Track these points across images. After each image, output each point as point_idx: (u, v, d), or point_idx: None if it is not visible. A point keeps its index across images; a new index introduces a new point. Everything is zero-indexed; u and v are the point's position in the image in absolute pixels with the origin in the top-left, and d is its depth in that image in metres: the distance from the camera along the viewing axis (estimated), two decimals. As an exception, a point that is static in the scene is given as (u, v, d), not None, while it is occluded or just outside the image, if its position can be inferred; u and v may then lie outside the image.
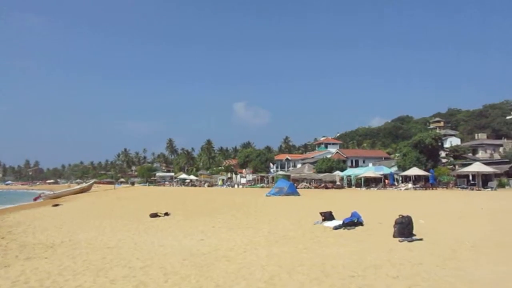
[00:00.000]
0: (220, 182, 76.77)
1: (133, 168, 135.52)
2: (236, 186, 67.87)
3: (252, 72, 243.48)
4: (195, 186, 72.56)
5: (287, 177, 57.22)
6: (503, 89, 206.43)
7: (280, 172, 71.45)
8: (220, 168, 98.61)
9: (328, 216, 12.10)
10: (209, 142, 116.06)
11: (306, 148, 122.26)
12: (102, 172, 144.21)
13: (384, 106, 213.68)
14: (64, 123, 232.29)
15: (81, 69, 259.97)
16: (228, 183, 75.69)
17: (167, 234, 10.59)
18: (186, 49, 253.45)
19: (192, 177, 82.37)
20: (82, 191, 47.84)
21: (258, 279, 5.80)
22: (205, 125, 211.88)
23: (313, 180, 61.33)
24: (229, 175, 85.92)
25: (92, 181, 67.27)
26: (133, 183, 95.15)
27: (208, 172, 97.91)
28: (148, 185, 79.84)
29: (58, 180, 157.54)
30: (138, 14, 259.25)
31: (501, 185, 44.75)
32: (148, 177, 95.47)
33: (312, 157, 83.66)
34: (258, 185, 63.91)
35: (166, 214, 15.59)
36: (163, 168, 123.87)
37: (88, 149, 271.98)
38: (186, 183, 77.57)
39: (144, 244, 9.18)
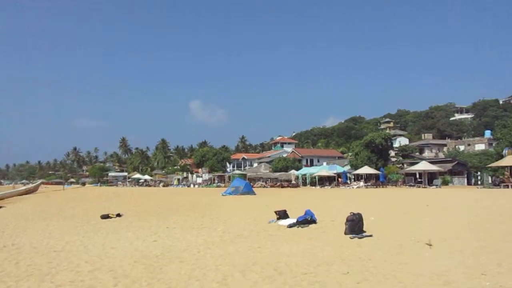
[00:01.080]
0: (175, 182, 75.61)
1: (84, 168, 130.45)
2: (192, 185, 67.10)
3: (208, 71, 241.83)
4: (150, 186, 71.03)
5: (244, 176, 57.36)
6: (448, 92, 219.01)
7: (237, 172, 71.47)
8: (176, 167, 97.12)
9: (282, 214, 12.24)
10: (163, 141, 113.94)
11: (262, 147, 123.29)
12: (50, 172, 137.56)
13: (338, 106, 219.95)
14: (8, 120, 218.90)
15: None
16: (184, 182, 74.69)
17: (118, 236, 10.27)
18: (140, 47, 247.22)
19: (146, 177, 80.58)
20: (28, 192, 45.28)
21: (211, 280, 5.76)
22: (160, 124, 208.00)
23: (269, 179, 61.91)
24: (185, 174, 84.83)
25: (39, 181, 64.02)
26: (84, 184, 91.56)
27: (164, 171, 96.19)
28: (100, 186, 77.06)
29: (2, 181, 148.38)
30: (81, 15, 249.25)
31: (445, 183, 47.36)
32: (100, 177, 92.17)
33: (269, 156, 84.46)
34: (214, 184, 63.59)
35: (118, 215, 15.12)
36: (116, 168, 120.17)
37: (34, 148, 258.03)
38: (140, 183, 75.73)
39: (93, 246, 8.84)
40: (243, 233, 10.21)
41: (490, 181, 42.73)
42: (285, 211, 12.49)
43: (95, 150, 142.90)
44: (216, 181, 67.66)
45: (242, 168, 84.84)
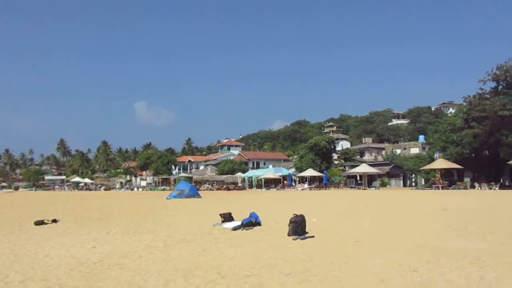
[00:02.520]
0: (118, 185, 72.98)
1: (18, 171, 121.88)
2: (135, 189, 65.19)
3: (153, 72, 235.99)
4: (90, 190, 67.90)
5: (189, 179, 56.68)
6: (386, 98, 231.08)
7: (183, 174, 70.47)
8: (118, 170, 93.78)
9: (227, 217, 12.23)
10: (105, 143, 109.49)
11: (209, 150, 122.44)
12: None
13: (284, 110, 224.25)
14: None
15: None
16: (127, 186, 72.38)
17: (54, 243, 9.70)
18: (82, 45, 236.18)
19: (87, 180, 77.06)
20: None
21: (153, 286, 5.61)
22: (103, 125, 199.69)
23: (215, 182, 61.62)
24: (128, 177, 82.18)
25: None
26: (17, 188, 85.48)
27: (106, 174, 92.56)
28: (35, 190, 72.46)
29: None
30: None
31: (383, 184, 49.85)
32: (36, 180, 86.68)
33: (215, 159, 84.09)
34: (159, 187, 62.18)
35: (54, 221, 14.29)
36: (54, 171, 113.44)
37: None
38: (80, 187, 72.20)
39: (26, 255, 8.27)
40: (187, 237, 10.07)
41: (423, 183, 45.60)
42: (230, 213, 12.49)
43: (30, 152, 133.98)
44: (161, 184, 66.16)
45: (188, 171, 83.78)
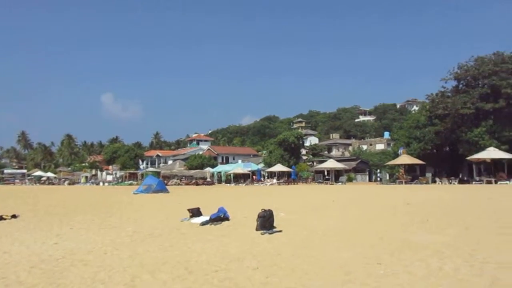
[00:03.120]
0: (83, 180, 70.99)
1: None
2: (101, 183, 63.63)
3: (121, 63, 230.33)
4: (53, 184, 65.80)
5: (157, 174, 55.89)
6: (354, 96, 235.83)
7: (150, 169, 69.40)
8: (83, 164, 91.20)
9: (195, 212, 12.15)
10: (69, 136, 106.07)
11: (178, 144, 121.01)
12: None
13: (254, 105, 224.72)
14: None
15: None
16: (93, 180, 70.55)
17: (13, 239, 9.33)
18: (45, 34, 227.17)
19: (49, 174, 74.53)
20: None
21: (118, 282, 5.50)
22: (67, 118, 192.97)
23: (184, 177, 61.10)
24: (93, 172, 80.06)
25: None
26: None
27: (70, 168, 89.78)
28: (-7, 184, 69.38)
29: None
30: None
31: (350, 180, 50.91)
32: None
33: (184, 154, 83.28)
34: (126, 182, 60.99)
35: (14, 216, 13.74)
36: (14, 164, 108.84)
37: None
38: (42, 181, 69.74)
39: (-18, 252, 7.91)
40: (154, 232, 9.94)
41: (388, 178, 46.94)
42: (198, 208, 12.41)
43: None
44: (128, 179, 64.89)
45: (156, 166, 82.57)
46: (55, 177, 73.44)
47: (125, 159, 76.12)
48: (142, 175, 62.77)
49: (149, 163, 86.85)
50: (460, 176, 39.62)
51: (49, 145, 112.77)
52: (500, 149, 34.68)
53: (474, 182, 35.42)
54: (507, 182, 32.74)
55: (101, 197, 26.36)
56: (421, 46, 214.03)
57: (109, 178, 71.50)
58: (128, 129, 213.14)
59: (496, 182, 33.07)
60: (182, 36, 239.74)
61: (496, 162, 35.96)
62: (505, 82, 36.09)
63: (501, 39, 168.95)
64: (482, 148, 35.37)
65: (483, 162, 37.12)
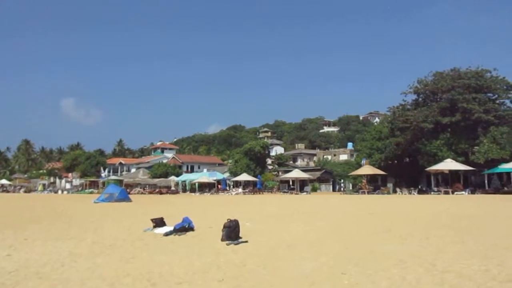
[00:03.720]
0: (40, 188, 68.05)
1: None
2: (60, 191, 61.20)
3: (84, 68, 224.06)
4: (8, 192, 62.66)
5: (119, 182, 54.44)
6: (319, 107, 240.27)
7: (112, 177, 67.53)
8: (41, 171, 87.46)
9: (159, 222, 11.85)
10: (27, 142, 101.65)
11: (141, 152, 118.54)
12: None
13: (221, 114, 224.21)
14: None
15: None
16: (51, 188, 67.75)
17: (-40, 252, 8.72)
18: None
19: (4, 181, 71.04)
20: None
21: (75, 297, 5.23)
22: (26, 123, 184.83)
23: (147, 185, 59.85)
24: (52, 179, 76.92)
25: None
26: None
27: (26, 176, 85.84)
28: None
29: None
30: None
31: (314, 189, 51.58)
32: None
33: (148, 162, 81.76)
34: (87, 190, 58.97)
35: (-38, 227, 12.90)
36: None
37: None
38: (-5, 189, 66.27)
39: None
40: (115, 243, 9.58)
41: (351, 188, 47.89)
42: (162, 218, 12.11)
43: None
44: (88, 187, 62.77)
45: (119, 174, 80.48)
46: (10, 185, 69.95)
47: (86, 167, 73.69)
48: (103, 183, 60.92)
49: (111, 171, 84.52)
50: (420, 186, 40.99)
51: (3, 150, 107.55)
52: (456, 160, 36.20)
53: (432, 193, 36.73)
54: (463, 192, 34.16)
55: (59, 206, 25.27)
56: (385, 58, 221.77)
57: (68, 186, 68.90)
58: (90, 136, 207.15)
59: (453, 192, 34.43)
60: (148, 48, 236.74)
61: (453, 173, 37.50)
62: (462, 97, 37.86)
63: (460, 54, 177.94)
64: (440, 160, 36.80)
65: (441, 173, 38.61)
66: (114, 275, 6.35)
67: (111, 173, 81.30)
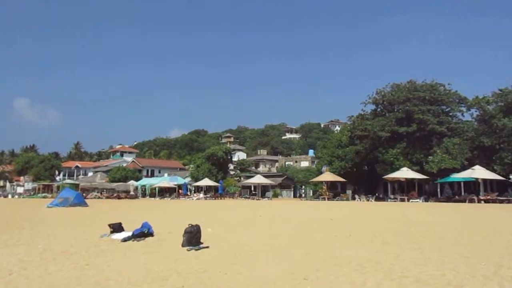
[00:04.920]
0: (-13, 192, 64.24)
1: None
2: (10, 196, 58.08)
3: (39, 66, 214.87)
4: (-50, 196, 58.63)
5: (75, 186, 52.42)
6: (281, 113, 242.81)
7: (68, 181, 64.95)
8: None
9: (117, 227, 11.44)
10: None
11: (100, 155, 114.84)
12: None
13: (183, 118, 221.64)
14: None
15: None
16: (0, 192, 64.10)
17: None
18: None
19: None
20: None
21: (24, 307, 4.90)
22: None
23: (105, 190, 58.02)
24: (1, 183, 72.91)
25: None
26: None
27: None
28: None
29: None
30: None
31: (275, 195, 51.91)
32: None
33: (106, 166, 79.41)
34: (40, 195, 56.30)
35: None
36: None
37: None
38: None
39: None
40: (69, 249, 9.14)
41: (311, 194, 48.60)
42: (120, 224, 11.71)
43: None
44: (41, 191, 59.97)
45: (75, 177, 77.59)
46: (-47, 188, 65.66)
47: (40, 170, 70.38)
48: (58, 187, 58.39)
49: (66, 174, 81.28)
50: (377, 193, 42.21)
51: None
52: (412, 169, 37.60)
53: (389, 200, 37.92)
54: (418, 200, 35.49)
55: (9, 210, 23.92)
56: (347, 65, 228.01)
57: (20, 190, 65.49)
58: (46, 138, 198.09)
59: (408, 200, 35.69)
60: (110, 51, 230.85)
61: (409, 182, 38.91)
62: (417, 108, 39.46)
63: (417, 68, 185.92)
64: (396, 168, 38.08)
65: (397, 181, 39.96)
66: (67, 283, 6.03)
67: (66, 177, 78.16)
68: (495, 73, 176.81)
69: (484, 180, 33.45)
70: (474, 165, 34.18)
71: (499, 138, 34.60)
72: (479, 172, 32.72)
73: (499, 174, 33.10)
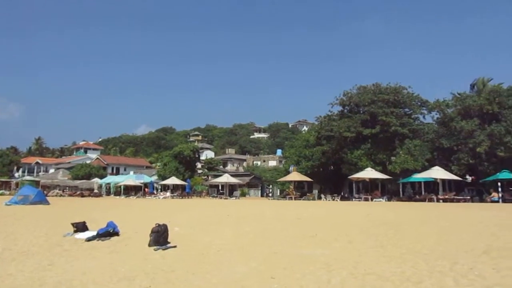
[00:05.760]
0: None
1: None
2: (-38, 193, 55.05)
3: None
4: None
5: (36, 184, 50.48)
6: (250, 113, 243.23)
7: (28, 178, 62.49)
8: None
9: (81, 227, 11.18)
10: None
11: (62, 152, 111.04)
12: None
13: (151, 115, 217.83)
14: None
15: None
16: (-49, 189, 60.67)
17: None
18: None
19: None
20: None
21: (-18, 309, 4.74)
22: None
23: (67, 187, 56.27)
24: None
25: None
26: None
27: None
28: None
29: None
30: None
31: (243, 194, 52.03)
32: None
33: (69, 162, 76.98)
34: (-4, 192, 53.78)
35: None
36: None
37: None
38: None
39: None
40: (30, 249, 8.86)
41: (279, 193, 49.05)
42: (84, 223, 11.44)
43: None
44: (3, 188, 57.41)
45: (35, 174, 74.73)
46: None
47: (-4, 166, 67.32)
48: (17, 184, 56.02)
49: (26, 171, 78.16)
50: (342, 193, 43.13)
51: None
52: (375, 169, 38.65)
53: (354, 199, 38.82)
54: (381, 199, 36.55)
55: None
56: (315, 66, 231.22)
57: (-26, 187, 62.32)
58: (5, 132, 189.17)
59: (372, 199, 36.69)
60: (75, 47, 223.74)
61: (372, 181, 39.99)
62: (381, 111, 40.57)
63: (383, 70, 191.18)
64: (361, 168, 39.03)
65: (362, 181, 40.97)
66: (28, 284, 5.87)
67: (26, 173, 75.16)
68: (457, 75, 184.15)
69: (443, 180, 34.84)
70: (434, 165, 35.51)
71: (457, 140, 36.12)
72: (438, 173, 34.05)
73: (456, 174, 34.57)
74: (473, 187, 35.88)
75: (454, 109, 38.60)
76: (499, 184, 30.73)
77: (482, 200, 32.03)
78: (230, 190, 50.51)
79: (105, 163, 73.12)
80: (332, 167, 46.74)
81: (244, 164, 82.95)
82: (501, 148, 32.43)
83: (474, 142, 33.92)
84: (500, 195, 30.29)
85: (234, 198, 46.61)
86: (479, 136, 33.72)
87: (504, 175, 30.50)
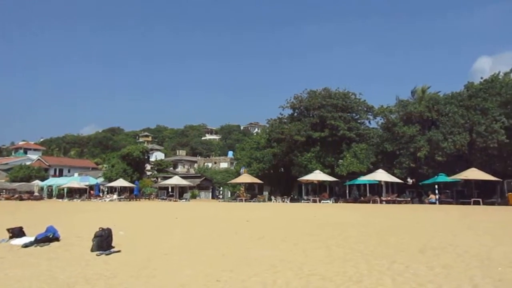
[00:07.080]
0: None
1: None
2: None
3: None
4: None
5: (-32, 186, 47.00)
6: (201, 113, 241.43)
7: (-42, 180, 57.91)
8: None
9: (17, 232, 10.55)
10: None
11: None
12: None
13: (98, 115, 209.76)
14: None
15: None
16: None
17: None
18: None
19: None
20: None
21: None
22: None
23: (4, 190, 52.86)
24: None
25: None
26: None
27: None
28: None
29: None
30: None
31: (193, 196, 51.49)
32: None
33: (6, 163, 72.42)
34: None
35: None
36: None
37: None
38: None
39: None
40: (-42, 257, 8.22)
41: (229, 195, 49.01)
42: (21, 228, 10.80)
43: None
44: None
45: (-33, 176, 69.24)
46: None
47: None
48: None
49: (-43, 172, 72.42)
50: (292, 195, 43.92)
51: None
52: (324, 172, 39.75)
53: (302, 201, 39.66)
54: (328, 201, 37.65)
55: None
56: (267, 69, 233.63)
57: None
58: None
59: (320, 201, 37.67)
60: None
61: (321, 183, 41.10)
62: (330, 115, 41.86)
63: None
64: (310, 171, 39.97)
65: (311, 183, 41.97)
66: (-45, 295, 5.46)
67: (-44, 175, 69.63)
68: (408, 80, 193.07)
69: (386, 183, 36.52)
70: (378, 169, 37.12)
71: (399, 145, 37.99)
72: (382, 175, 35.63)
73: (398, 177, 36.35)
74: (414, 189, 37.86)
75: (397, 115, 40.55)
76: (436, 186, 32.67)
77: (421, 202, 33.89)
78: (180, 193, 49.76)
79: (47, 164, 69.52)
80: (282, 169, 47.45)
81: (195, 166, 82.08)
82: (439, 153, 34.49)
83: (415, 147, 35.82)
84: (437, 196, 32.20)
85: (184, 200, 45.98)
86: (419, 141, 35.66)
87: (441, 178, 32.46)
